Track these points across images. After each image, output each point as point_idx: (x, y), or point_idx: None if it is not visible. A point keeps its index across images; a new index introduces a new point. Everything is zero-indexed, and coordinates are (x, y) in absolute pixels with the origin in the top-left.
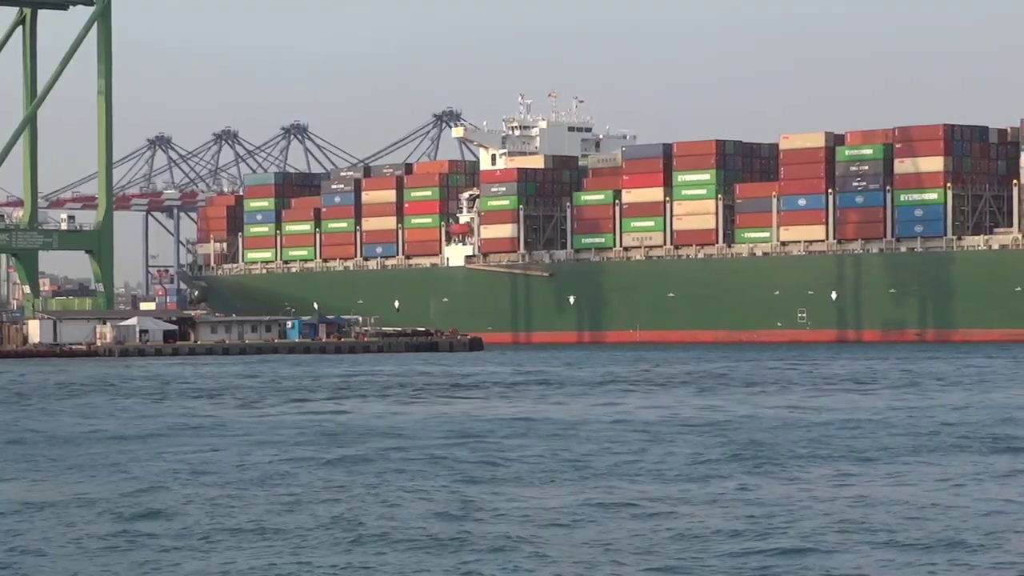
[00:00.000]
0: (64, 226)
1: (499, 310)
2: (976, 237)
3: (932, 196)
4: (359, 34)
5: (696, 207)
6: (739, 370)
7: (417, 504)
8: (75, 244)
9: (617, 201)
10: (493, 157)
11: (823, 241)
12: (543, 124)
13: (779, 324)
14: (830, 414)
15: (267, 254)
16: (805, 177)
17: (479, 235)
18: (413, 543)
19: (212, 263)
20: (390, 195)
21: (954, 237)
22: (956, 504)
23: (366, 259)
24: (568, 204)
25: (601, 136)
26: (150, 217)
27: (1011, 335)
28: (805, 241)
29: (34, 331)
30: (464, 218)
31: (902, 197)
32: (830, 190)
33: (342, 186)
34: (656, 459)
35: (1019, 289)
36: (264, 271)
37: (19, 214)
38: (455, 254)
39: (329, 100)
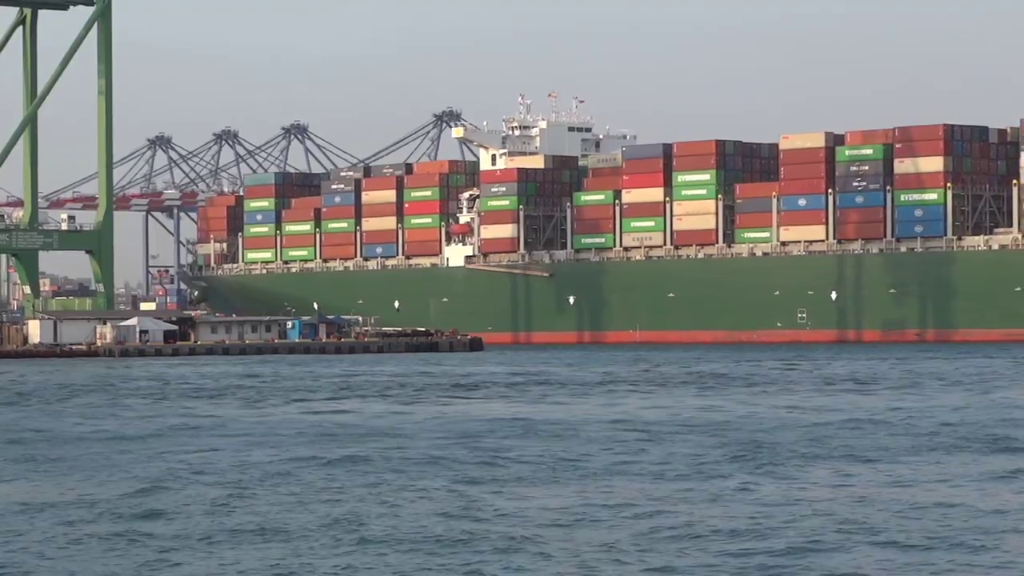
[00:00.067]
0: (64, 226)
1: (499, 310)
2: (976, 237)
3: (932, 196)
4: (359, 34)
5: (696, 207)
6: (739, 370)
7: (417, 504)
8: (75, 244)
9: (617, 201)
10: (493, 157)
11: (823, 241)
12: (543, 124)
13: (779, 324)
14: (830, 414)
15: (267, 254)
16: (805, 177)
17: (479, 235)
18: (413, 543)
19: (212, 263)
20: (390, 195)
21: (954, 237)
22: (956, 504)
23: (366, 259)
24: (568, 204)
25: (601, 136)
26: (150, 217)
27: (1011, 335)
28: (805, 241)
29: (34, 331)
30: (464, 218)
31: (902, 197)
32: (830, 190)
33: (342, 186)
34: (656, 459)
35: (1019, 289)
36: (264, 271)
37: (19, 214)
38: (455, 254)
39: (329, 100)
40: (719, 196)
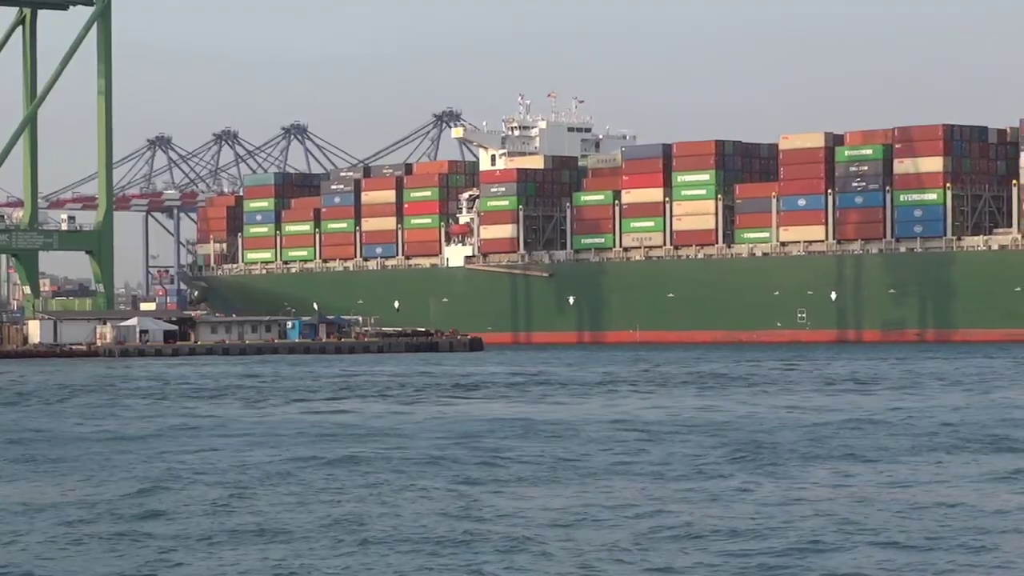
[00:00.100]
0: (64, 226)
1: (499, 310)
2: (976, 237)
3: (932, 196)
4: (359, 34)
5: (696, 207)
6: (739, 370)
7: (417, 504)
8: (75, 244)
9: (617, 201)
10: (493, 157)
11: (823, 241)
12: (543, 124)
13: (779, 324)
14: (830, 414)
15: (267, 254)
16: (805, 177)
17: (479, 235)
18: (414, 544)
19: (212, 263)
20: (390, 195)
21: (954, 237)
22: (956, 504)
23: (366, 259)
24: (568, 204)
25: (601, 136)
26: (150, 217)
27: (1011, 335)
28: (805, 241)
29: (34, 331)
30: (464, 218)
31: (902, 197)
32: (830, 190)
33: (342, 186)
34: (656, 459)
35: (1019, 289)
36: (264, 271)
37: (19, 214)
38: (455, 254)
39: (329, 100)
40: (719, 196)
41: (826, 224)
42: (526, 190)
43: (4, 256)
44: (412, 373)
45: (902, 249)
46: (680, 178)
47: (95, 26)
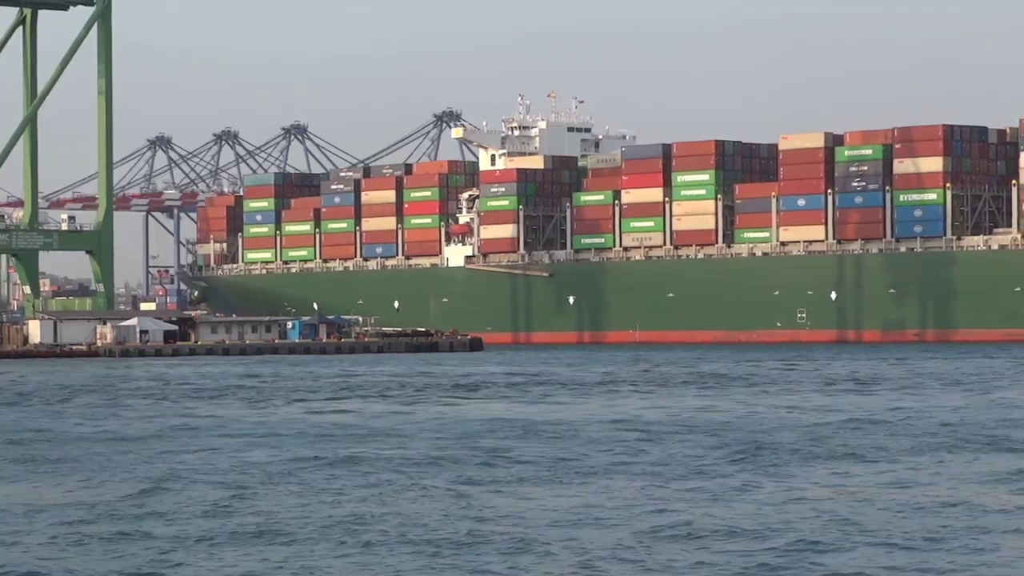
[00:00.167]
0: (64, 226)
1: (499, 310)
2: (975, 237)
3: (931, 196)
4: (359, 34)
5: (695, 207)
6: (739, 370)
7: (418, 504)
8: (75, 244)
9: (617, 201)
10: (493, 157)
11: (822, 241)
12: (543, 124)
13: (779, 324)
14: (830, 414)
15: (267, 254)
16: (804, 177)
17: (479, 235)
18: (414, 544)
19: (212, 263)
20: (390, 195)
21: (953, 237)
22: (956, 504)
23: (366, 259)
24: (568, 204)
25: (601, 136)
26: (150, 217)
27: (1011, 335)
28: (804, 241)
29: (34, 331)
30: (464, 218)
31: (901, 197)
32: (829, 190)
33: (342, 186)
34: (656, 459)
35: (1018, 289)
36: (264, 271)
37: (19, 214)
38: (455, 254)
39: (329, 100)
40: (718, 196)
41: (826, 224)
42: (526, 190)
43: (4, 256)
44: (412, 373)
45: (902, 249)
46: (680, 178)
47: (95, 26)
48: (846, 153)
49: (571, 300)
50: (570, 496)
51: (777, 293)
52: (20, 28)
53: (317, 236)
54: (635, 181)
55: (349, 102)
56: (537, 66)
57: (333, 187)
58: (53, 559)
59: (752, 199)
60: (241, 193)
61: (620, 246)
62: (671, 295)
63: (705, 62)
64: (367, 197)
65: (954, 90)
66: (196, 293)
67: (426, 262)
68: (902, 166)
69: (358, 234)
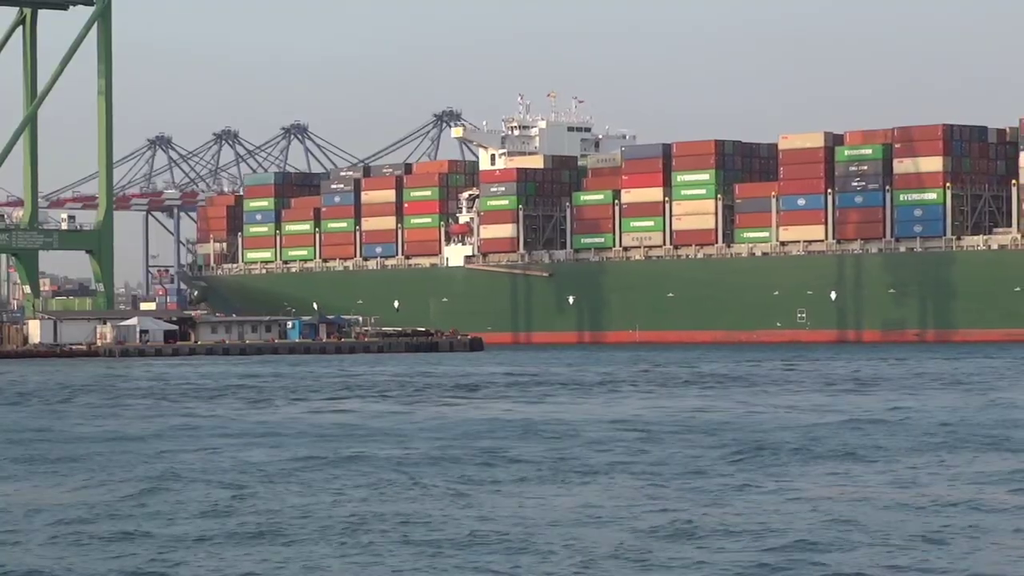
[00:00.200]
0: (64, 226)
1: (499, 310)
2: (975, 237)
3: (931, 196)
4: (359, 34)
5: (695, 207)
6: (739, 370)
7: (417, 505)
8: (75, 244)
9: (616, 201)
10: (492, 157)
11: (822, 241)
12: (542, 124)
13: (778, 324)
14: (830, 414)
15: (267, 254)
16: (804, 177)
17: (479, 235)
18: (414, 544)
19: (212, 263)
20: (390, 195)
21: (953, 237)
22: (956, 504)
23: (366, 259)
24: (567, 204)
25: (600, 136)
26: (150, 217)
27: (1010, 335)
28: (804, 241)
29: (34, 331)
30: (464, 218)
31: (901, 197)
32: (829, 190)
33: (342, 186)
34: (656, 459)
35: (1018, 289)
36: (264, 271)
37: (19, 214)
38: (455, 254)
39: (329, 100)
40: (718, 196)
41: (826, 224)
42: (526, 190)
43: (4, 256)
44: (412, 373)
45: (902, 249)
46: (680, 178)
47: (95, 26)
48: (846, 153)
49: (571, 300)
50: (570, 496)
51: (777, 293)
52: (20, 28)
53: (317, 236)
54: (635, 181)
55: (349, 102)
56: (537, 66)
57: (333, 187)
58: (53, 559)
59: (752, 199)
60: (241, 193)
61: (620, 246)
62: (671, 295)
63: (705, 62)
64: (367, 197)
65: (954, 90)
66: (196, 293)
67: (426, 262)
68: (902, 166)
69: (358, 234)
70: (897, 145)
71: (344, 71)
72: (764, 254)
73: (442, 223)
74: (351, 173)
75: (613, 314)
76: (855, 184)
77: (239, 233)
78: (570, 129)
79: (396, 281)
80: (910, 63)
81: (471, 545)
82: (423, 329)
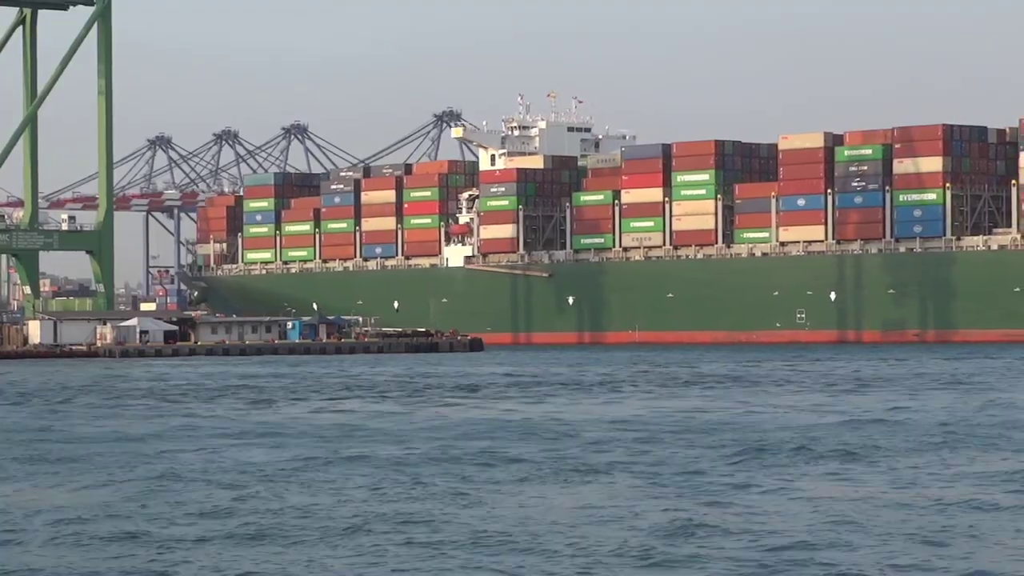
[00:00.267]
0: (64, 226)
1: (499, 311)
2: (975, 237)
3: (931, 196)
4: (359, 34)
5: (695, 207)
6: (739, 370)
7: (417, 504)
8: (75, 244)
9: (616, 201)
10: (492, 157)
11: (822, 241)
12: (542, 124)
13: (778, 325)
14: (830, 414)
15: (267, 254)
16: (804, 177)
17: (478, 235)
18: (414, 544)
19: (212, 263)
20: (389, 195)
21: (953, 237)
22: (956, 504)
23: (365, 259)
24: (567, 204)
25: (600, 136)
26: (150, 217)
27: (1010, 335)
28: (804, 241)
29: (34, 332)
30: (463, 218)
31: (901, 197)
32: (829, 190)
33: (341, 186)
34: (656, 459)
35: (1018, 289)
36: (264, 272)
37: (19, 214)
38: (454, 254)
39: (329, 100)
40: (718, 196)
41: (826, 224)
42: (526, 190)
43: (4, 256)
44: (412, 374)
45: (902, 249)
46: (680, 178)
47: (95, 26)
48: (846, 153)
49: (571, 300)
50: (570, 496)
51: (777, 293)
52: (20, 28)
53: (317, 236)
54: (635, 181)
55: (349, 102)
56: (537, 66)
57: (333, 187)
58: (53, 559)
59: (752, 199)
60: (241, 193)
61: (620, 246)
62: (671, 295)
63: (705, 62)
64: (367, 197)
65: (954, 90)
66: (196, 293)
67: (426, 262)
68: (902, 166)
69: (358, 234)
70: (897, 145)
71: (344, 71)
72: (764, 254)
73: (442, 223)
74: (351, 173)
75: (613, 314)
76: (855, 184)
77: (239, 234)
78: (570, 129)
79: (396, 281)
80: (910, 63)
81: (471, 545)
82: (423, 329)
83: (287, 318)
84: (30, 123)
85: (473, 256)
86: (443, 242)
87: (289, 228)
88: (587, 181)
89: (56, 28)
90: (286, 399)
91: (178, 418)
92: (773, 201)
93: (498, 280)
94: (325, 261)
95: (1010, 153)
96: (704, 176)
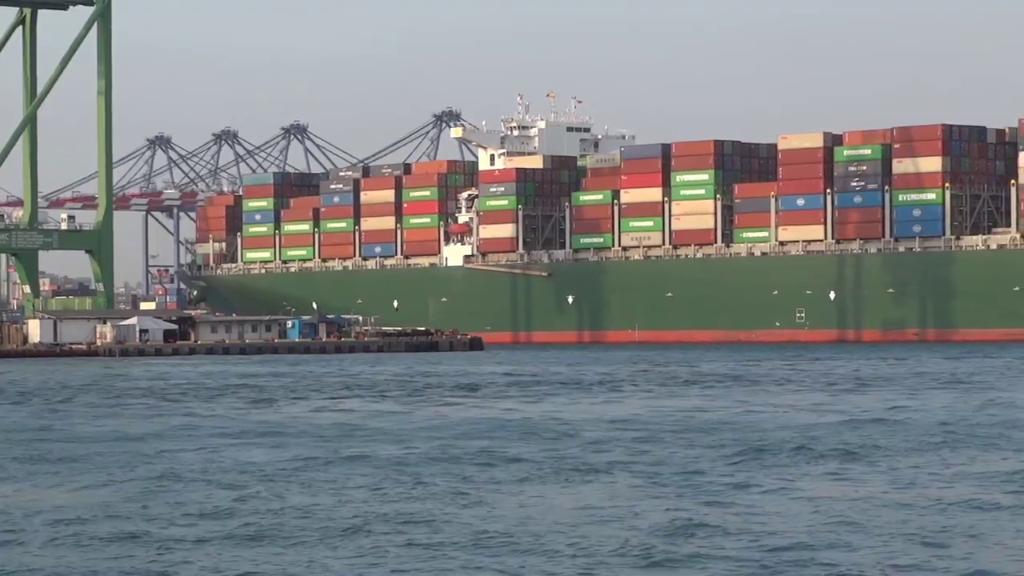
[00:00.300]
0: (64, 226)
1: (498, 310)
2: (974, 237)
3: (930, 196)
4: (359, 34)
5: (695, 207)
6: (738, 370)
7: (417, 504)
8: (75, 244)
9: (616, 201)
10: (492, 157)
11: (822, 241)
12: (542, 124)
13: (777, 324)
14: (830, 414)
15: (266, 254)
16: (804, 177)
17: (478, 235)
18: (414, 544)
19: (211, 263)
20: (389, 195)
21: (952, 237)
22: (956, 504)
23: (365, 259)
24: (567, 204)
25: (600, 136)
26: (150, 217)
27: (1010, 335)
28: (804, 241)
29: (34, 331)
30: (463, 218)
31: (900, 197)
32: (829, 190)
33: (341, 186)
34: (656, 459)
35: (1017, 289)
36: (263, 271)
37: (19, 214)
38: (454, 254)
39: (329, 100)
40: (718, 196)
41: (825, 224)
42: (525, 190)
43: (4, 256)
44: (412, 373)
45: (901, 249)
46: (679, 178)
47: (95, 26)
48: (845, 153)
49: (570, 300)
50: (570, 496)
51: (776, 293)
52: (20, 28)
53: (316, 236)
54: (634, 181)
55: (349, 102)
56: (537, 66)
57: (332, 187)
58: (53, 559)
59: (751, 199)
60: (240, 193)
61: (619, 246)
62: (670, 295)
63: (705, 62)
64: (366, 197)
65: (953, 90)
66: (195, 293)
67: (425, 262)
68: (901, 166)
69: (357, 234)
70: (896, 145)
71: (344, 71)
72: (763, 254)
73: (441, 223)
74: (350, 173)
75: (612, 314)
76: (854, 184)
77: (238, 233)
78: (569, 129)
79: (395, 281)
80: (910, 63)
81: (471, 545)
82: (423, 329)
83: (287, 317)
84: (30, 123)
85: (472, 256)
86: (442, 242)
87: (288, 228)
88: (586, 181)
89: (56, 28)
90: (286, 398)
91: (178, 417)
92: (772, 201)
93: (497, 279)
94: (324, 260)
95: (1009, 153)
96: (703, 176)
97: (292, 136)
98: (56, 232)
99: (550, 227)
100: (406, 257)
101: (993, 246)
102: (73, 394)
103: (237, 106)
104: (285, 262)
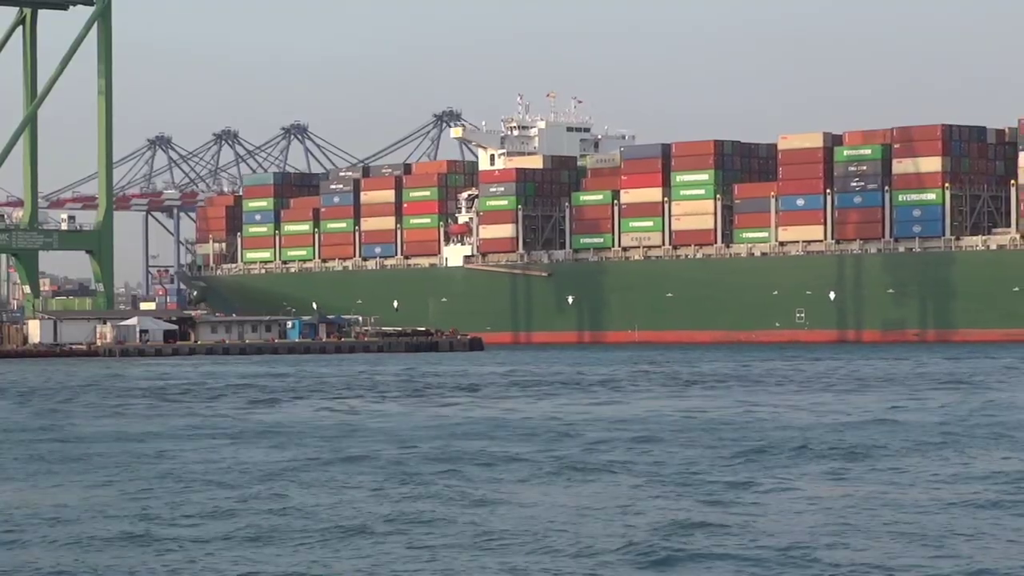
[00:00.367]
0: (64, 226)
1: (498, 310)
2: (974, 237)
3: (930, 196)
4: (359, 34)
5: (695, 207)
6: (738, 370)
7: (418, 504)
8: (75, 244)
9: (616, 201)
10: (492, 157)
11: (821, 241)
12: (542, 124)
13: (777, 324)
14: (830, 414)
15: (266, 254)
16: (803, 177)
17: (478, 235)
18: (414, 544)
19: (211, 263)
20: (389, 195)
21: (952, 237)
22: (956, 504)
23: (365, 259)
24: (567, 204)
25: (600, 136)
26: (150, 217)
27: (1010, 335)
28: (803, 241)
29: (34, 331)
30: (463, 218)
31: (900, 197)
32: (828, 190)
33: (341, 186)
34: (656, 459)
35: (1017, 289)
36: (263, 271)
37: (19, 214)
38: (454, 254)
39: (329, 100)
40: (717, 196)
41: (825, 224)
42: (525, 190)
43: (4, 256)
44: (412, 373)
45: (901, 249)
46: (679, 178)
47: (95, 26)
48: (845, 153)
49: (570, 300)
50: (571, 496)
51: (776, 293)
52: (20, 28)
53: (316, 236)
54: (634, 181)
55: (349, 102)
56: (537, 66)
57: (332, 187)
58: (53, 559)
59: (751, 199)
60: (240, 193)
61: (619, 246)
62: (670, 295)
63: (705, 62)
64: (366, 197)
65: (953, 90)
66: (195, 293)
67: (425, 262)
68: (901, 166)
69: (357, 234)
70: (896, 145)
71: (344, 71)
72: (763, 254)
73: (441, 223)
74: (350, 173)
75: (612, 314)
76: (854, 184)
77: (238, 233)
78: (569, 129)
79: (395, 281)
80: (910, 63)
81: (472, 545)
82: (423, 329)
83: (287, 317)
84: (30, 123)
85: (472, 256)
86: (442, 242)
87: (288, 228)
88: (586, 181)
89: (56, 28)
90: (286, 398)
91: (178, 417)
92: (772, 201)
93: (497, 280)
94: (324, 261)
95: (1009, 153)
96: (703, 176)
97: (292, 136)
98: (56, 232)
99: (550, 227)
100: (406, 257)
101: (993, 246)
102: (73, 394)
103: (237, 106)
104: (285, 262)
